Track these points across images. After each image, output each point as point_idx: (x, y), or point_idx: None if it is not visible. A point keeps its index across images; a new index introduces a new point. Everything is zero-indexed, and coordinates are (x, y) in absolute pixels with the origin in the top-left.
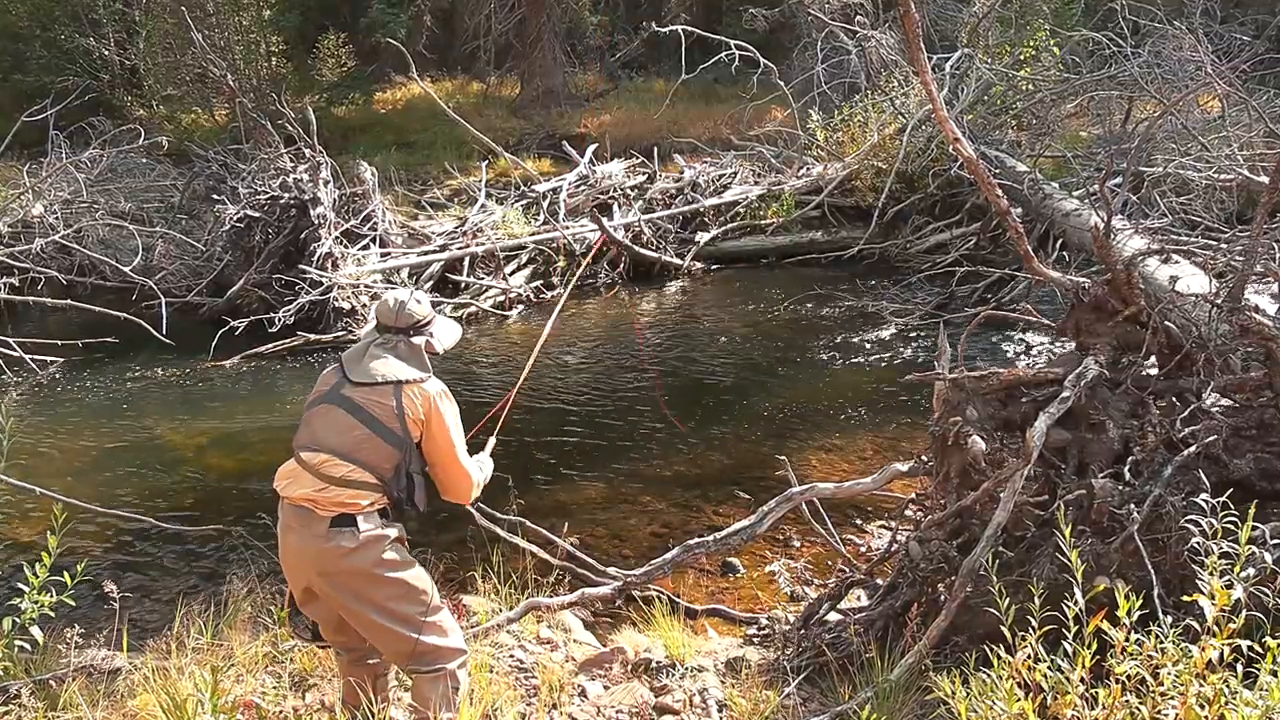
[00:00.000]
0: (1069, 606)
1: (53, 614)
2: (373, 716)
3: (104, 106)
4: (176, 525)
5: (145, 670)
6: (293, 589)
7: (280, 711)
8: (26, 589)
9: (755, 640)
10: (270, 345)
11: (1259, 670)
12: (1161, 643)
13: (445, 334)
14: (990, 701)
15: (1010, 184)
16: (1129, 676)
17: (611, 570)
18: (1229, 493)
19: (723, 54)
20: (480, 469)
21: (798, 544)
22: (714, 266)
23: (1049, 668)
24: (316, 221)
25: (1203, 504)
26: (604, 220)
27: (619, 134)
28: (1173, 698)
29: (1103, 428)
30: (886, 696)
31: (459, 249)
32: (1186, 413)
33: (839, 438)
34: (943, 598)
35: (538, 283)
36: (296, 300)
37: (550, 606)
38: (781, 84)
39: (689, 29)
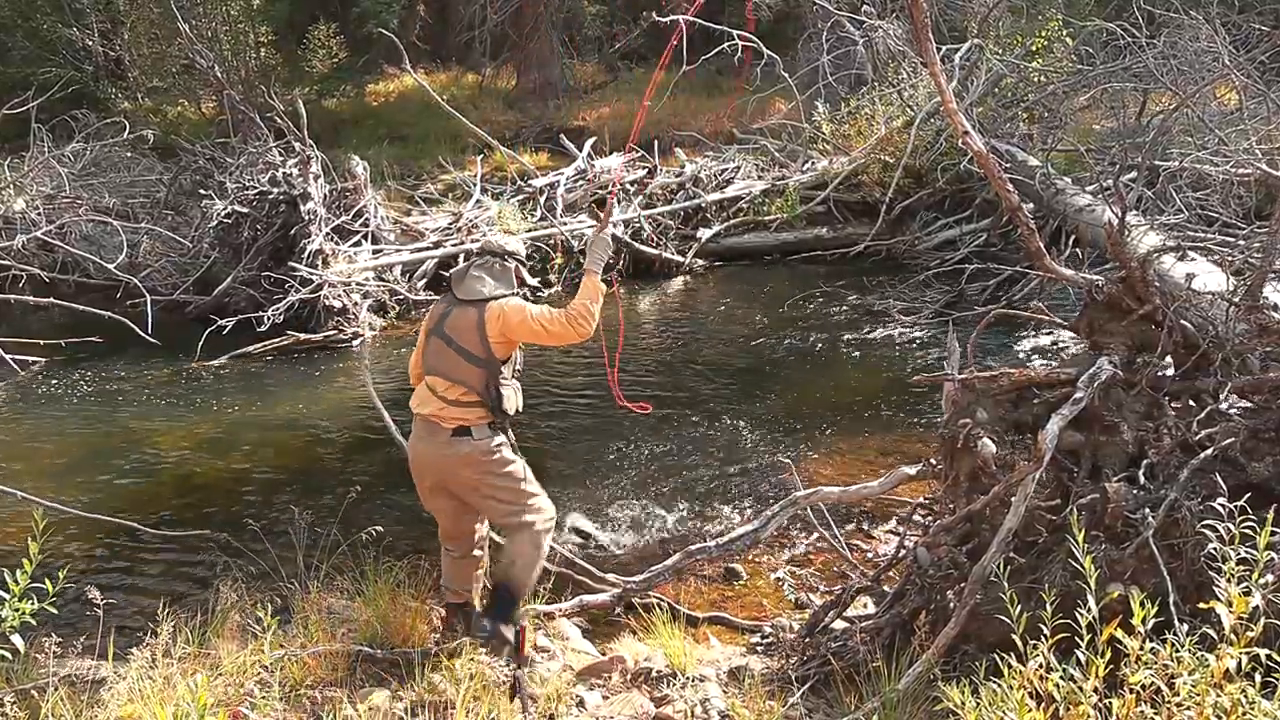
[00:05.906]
0: (1082, 614)
1: (34, 622)
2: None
3: (88, 99)
4: (162, 530)
5: (131, 680)
6: (419, 488)
7: None
8: (7, 596)
9: (758, 649)
10: (259, 344)
11: (1278, 680)
12: (1177, 651)
13: (528, 276)
14: (1001, 712)
15: (1021, 179)
16: (1144, 686)
17: (610, 576)
18: (1247, 497)
19: (725, 45)
20: (569, 314)
21: (802, 549)
22: (716, 263)
23: (1061, 677)
24: (306, 217)
25: (1220, 508)
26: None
27: (619, 127)
28: (1189, 708)
29: (1117, 430)
30: (894, 707)
31: (453, 245)
32: (1203, 414)
33: (844, 440)
34: (952, 605)
35: (534, 280)
36: (286, 298)
37: (548, 614)
38: (786, 76)
39: (691, 19)
